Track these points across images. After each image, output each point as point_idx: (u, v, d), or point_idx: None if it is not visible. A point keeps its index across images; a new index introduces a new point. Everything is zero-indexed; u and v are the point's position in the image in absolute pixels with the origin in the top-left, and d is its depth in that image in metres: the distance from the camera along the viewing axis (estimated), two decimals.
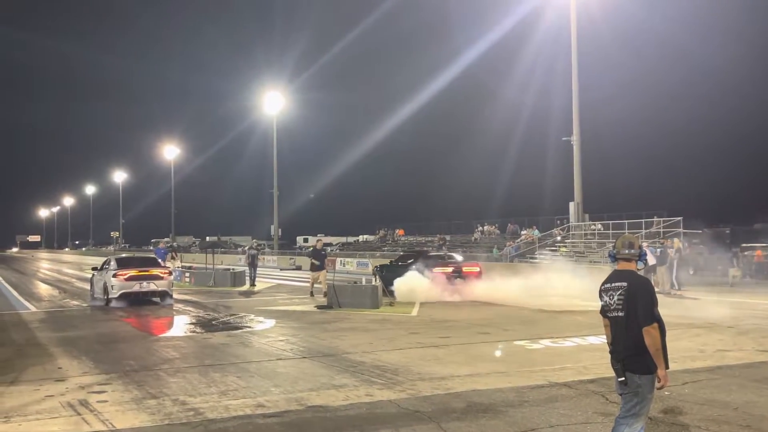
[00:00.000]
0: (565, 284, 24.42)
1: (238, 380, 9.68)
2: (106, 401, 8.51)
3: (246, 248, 30.95)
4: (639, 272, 5.52)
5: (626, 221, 37.14)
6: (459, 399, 8.42)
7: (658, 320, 5.21)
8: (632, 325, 5.23)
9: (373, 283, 20.49)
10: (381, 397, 8.58)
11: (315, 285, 23.53)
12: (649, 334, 5.16)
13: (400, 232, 63.01)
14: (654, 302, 5.25)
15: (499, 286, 22.20)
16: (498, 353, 11.89)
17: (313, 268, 23.59)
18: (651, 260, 23.62)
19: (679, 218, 33.10)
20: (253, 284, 29.91)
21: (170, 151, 79.98)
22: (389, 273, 23.61)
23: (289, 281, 34.21)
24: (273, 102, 56.24)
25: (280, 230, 60.00)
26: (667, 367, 5.24)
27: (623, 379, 5.29)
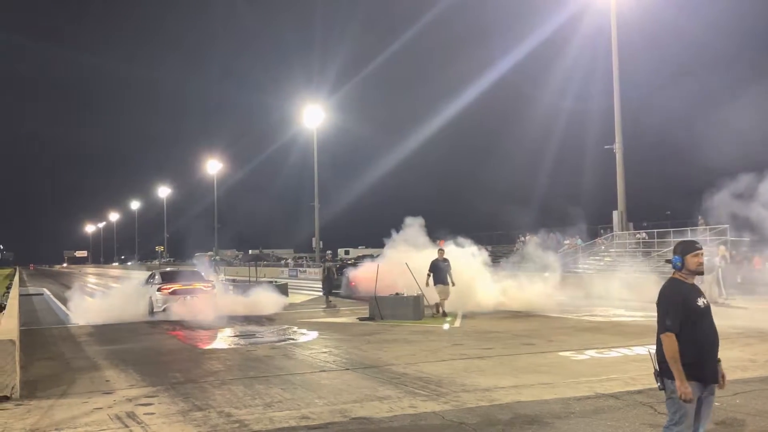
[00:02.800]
0: (610, 293, 24.14)
1: (282, 392, 9.72)
2: (153, 413, 8.62)
3: (324, 261, 27.43)
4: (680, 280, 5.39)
5: (671, 230, 36.57)
6: (504, 410, 8.33)
7: (670, 329, 5.16)
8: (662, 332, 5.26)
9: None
10: (425, 408, 8.54)
11: (434, 301, 20.34)
12: (661, 342, 5.20)
13: (440, 243, 62.65)
14: (666, 311, 5.20)
15: (544, 295, 22.03)
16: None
17: (436, 281, 20.08)
18: None
19: (725, 226, 32.43)
20: (328, 303, 25.51)
21: (213, 166, 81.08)
22: None
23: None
24: (313, 115, 56.63)
25: (321, 242, 60.21)
26: (701, 380, 5.19)
27: (659, 384, 5.29)
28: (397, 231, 28.69)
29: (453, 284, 20.10)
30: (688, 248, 5.36)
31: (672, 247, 5.55)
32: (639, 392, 9.12)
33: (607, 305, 21.86)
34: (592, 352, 12.79)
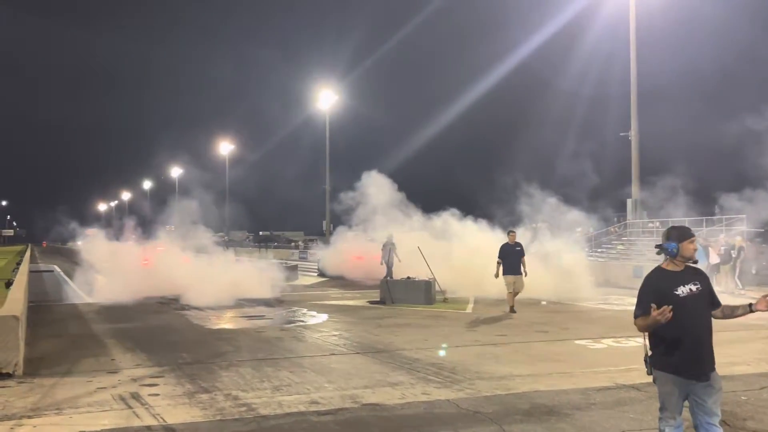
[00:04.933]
0: (623, 282, 23.79)
1: (291, 375, 9.45)
2: (157, 395, 8.36)
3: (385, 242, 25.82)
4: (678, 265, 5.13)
5: (686, 219, 36.07)
6: (521, 400, 8.02)
7: (636, 317, 5.07)
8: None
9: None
10: (439, 396, 8.24)
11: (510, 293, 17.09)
12: (635, 325, 5.11)
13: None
14: (637, 301, 5.09)
15: (554, 283, 21.62)
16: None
17: (506, 270, 16.90)
18: (714, 259, 22.78)
19: (742, 216, 31.90)
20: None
21: (224, 147, 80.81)
22: None
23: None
24: (325, 98, 56.14)
25: (332, 225, 59.86)
26: (679, 373, 5.00)
27: (647, 370, 5.19)
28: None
29: (526, 274, 17.00)
30: (685, 234, 5.08)
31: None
32: (648, 372, 8.77)
33: (620, 294, 21.50)
34: (609, 341, 12.45)
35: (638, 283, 15.99)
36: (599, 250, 36.51)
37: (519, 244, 17.13)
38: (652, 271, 5.19)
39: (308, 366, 10.15)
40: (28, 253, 50.59)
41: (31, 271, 33.17)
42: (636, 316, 5.06)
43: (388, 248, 25.40)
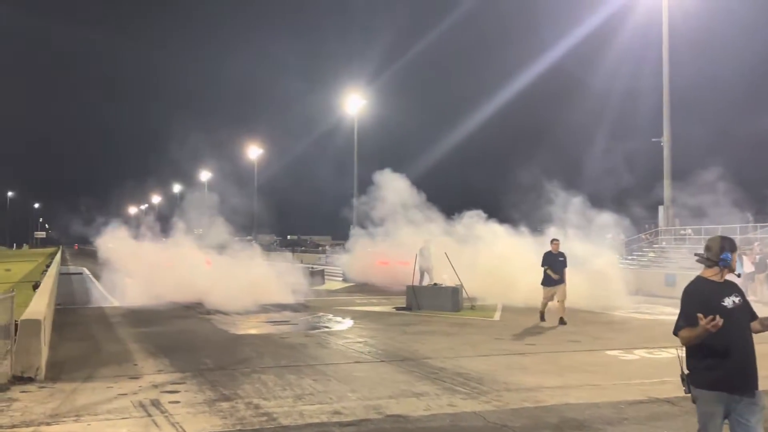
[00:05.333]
0: (655, 290, 23.33)
1: (314, 383, 9.26)
2: (178, 402, 8.21)
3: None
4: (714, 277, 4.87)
5: (719, 226, 35.37)
6: (550, 413, 7.75)
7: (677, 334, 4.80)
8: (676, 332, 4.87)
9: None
10: (465, 408, 7.99)
11: (550, 302, 16.34)
12: (680, 338, 4.81)
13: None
14: (681, 312, 4.80)
15: (586, 291, 21.21)
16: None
17: (547, 281, 16.13)
18: (748, 268, 22.22)
19: None
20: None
21: (253, 152, 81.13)
22: None
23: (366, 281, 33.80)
24: (354, 103, 56.05)
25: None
26: (725, 389, 4.68)
27: (685, 388, 4.88)
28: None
29: (564, 282, 16.17)
30: (734, 245, 4.94)
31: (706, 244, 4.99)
32: (685, 391, 8.44)
33: (653, 302, 21.07)
34: (641, 352, 12.10)
35: (671, 292, 15.67)
36: (630, 257, 35.94)
37: (562, 254, 16.39)
38: (696, 281, 4.92)
39: (332, 374, 9.95)
40: (58, 256, 51.00)
41: (60, 274, 33.45)
42: (680, 328, 4.78)
43: (426, 255, 24.31)
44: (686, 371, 4.89)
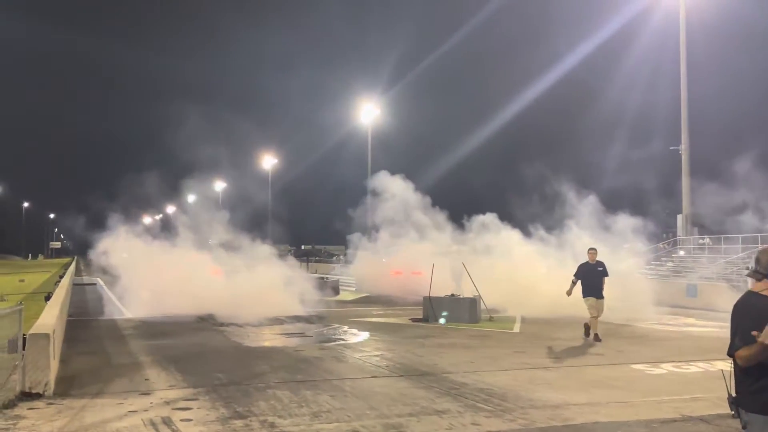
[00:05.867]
0: (675, 301, 22.85)
1: (331, 400, 8.92)
2: (190, 420, 7.89)
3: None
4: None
5: (740, 235, 34.79)
6: None
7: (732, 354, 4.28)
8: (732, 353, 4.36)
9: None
10: (489, 426, 7.62)
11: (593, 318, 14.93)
12: (738, 358, 4.27)
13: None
14: (736, 329, 4.31)
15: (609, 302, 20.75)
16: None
17: (586, 292, 14.90)
18: None
19: None
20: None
21: (267, 161, 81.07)
22: None
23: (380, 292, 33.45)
24: (368, 112, 55.81)
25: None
26: None
27: (733, 412, 4.41)
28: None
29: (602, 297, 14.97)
30: None
31: (755, 257, 4.59)
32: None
33: (674, 313, 20.59)
34: (668, 366, 11.68)
35: (693, 303, 15.11)
36: (647, 267, 35.41)
37: (601, 264, 15.10)
38: (746, 296, 4.53)
39: (349, 390, 9.61)
40: (72, 266, 50.99)
41: (74, 284, 33.33)
42: (736, 348, 4.37)
43: (458, 275, 22.61)
44: (734, 393, 4.52)
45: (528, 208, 27.81)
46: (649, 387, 9.96)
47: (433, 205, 30.58)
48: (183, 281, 22.00)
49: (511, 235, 25.47)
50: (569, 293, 15.17)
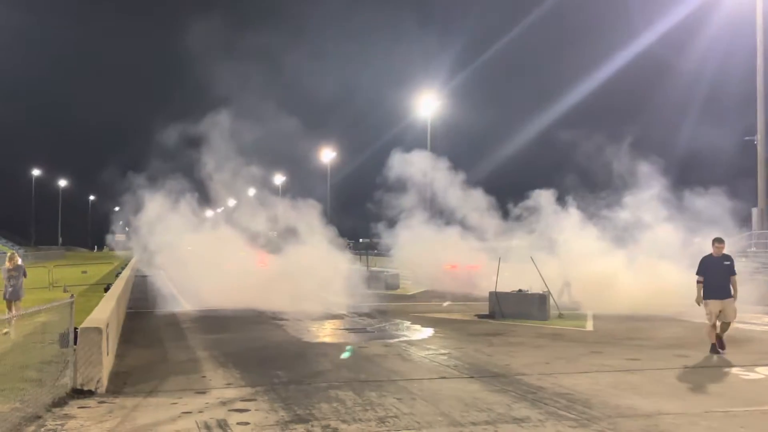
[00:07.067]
0: (753, 298, 21.50)
1: (398, 403, 8.24)
2: (247, 423, 7.30)
3: None
4: None
5: None
6: None
7: None
8: None
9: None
10: None
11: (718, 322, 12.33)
12: None
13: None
14: None
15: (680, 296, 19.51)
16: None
17: (708, 293, 12.36)
18: None
19: None
20: None
21: (326, 155, 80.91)
22: None
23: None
24: (428, 103, 54.95)
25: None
26: None
27: None
28: None
29: (736, 297, 12.42)
30: None
31: None
32: None
33: (753, 311, 19.27)
34: (764, 370, 10.64)
35: None
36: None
37: (728, 257, 12.55)
38: None
39: (417, 392, 8.91)
40: (134, 258, 51.52)
41: (136, 276, 33.44)
42: None
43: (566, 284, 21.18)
44: None
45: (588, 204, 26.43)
46: (748, 394, 9.01)
47: (499, 196, 29.57)
48: (240, 274, 21.66)
49: (573, 218, 24.17)
50: (698, 301, 12.48)
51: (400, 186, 30.37)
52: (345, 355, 11.98)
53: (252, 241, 25.69)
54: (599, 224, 23.52)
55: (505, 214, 27.88)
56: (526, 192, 25.99)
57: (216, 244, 24.09)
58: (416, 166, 30.30)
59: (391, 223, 30.65)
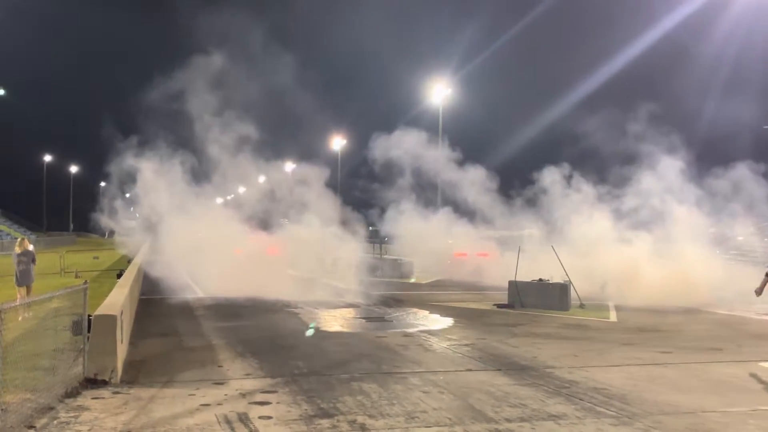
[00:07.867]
0: None
1: (424, 397, 7.86)
2: (269, 417, 6.94)
3: None
4: None
5: None
6: None
7: None
8: None
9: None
10: None
11: None
12: None
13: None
14: None
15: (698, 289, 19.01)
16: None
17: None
18: None
19: None
20: None
21: (337, 143, 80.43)
22: None
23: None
24: (439, 92, 54.31)
25: None
26: None
27: None
28: None
29: None
30: None
31: None
32: None
33: None
34: None
35: None
36: (733, 251, 33.22)
37: None
38: None
39: (443, 385, 8.53)
40: (146, 244, 51.28)
41: (147, 262, 33.10)
42: None
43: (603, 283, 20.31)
44: None
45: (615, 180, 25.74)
46: None
47: (514, 182, 29.03)
48: (252, 262, 21.30)
49: (591, 205, 23.60)
50: (759, 292, 11.22)
51: (415, 174, 29.87)
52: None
53: (263, 228, 25.35)
54: (618, 212, 23.00)
55: (526, 202, 27.29)
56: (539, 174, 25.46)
57: (226, 231, 23.74)
58: (423, 152, 29.71)
59: (397, 212, 30.15)
